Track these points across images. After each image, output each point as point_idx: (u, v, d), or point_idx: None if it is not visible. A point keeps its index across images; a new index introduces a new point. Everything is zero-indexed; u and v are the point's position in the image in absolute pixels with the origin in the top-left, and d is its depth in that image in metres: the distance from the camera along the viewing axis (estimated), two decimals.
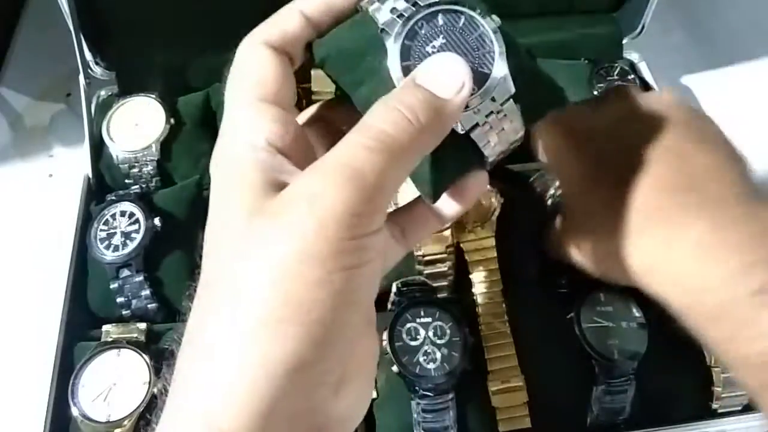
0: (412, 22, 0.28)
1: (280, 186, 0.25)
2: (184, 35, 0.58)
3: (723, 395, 0.45)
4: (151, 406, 0.43)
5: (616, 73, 0.60)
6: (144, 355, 0.44)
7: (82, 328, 0.48)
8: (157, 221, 0.49)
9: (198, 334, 0.25)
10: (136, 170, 0.54)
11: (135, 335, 0.46)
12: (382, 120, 0.25)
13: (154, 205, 0.51)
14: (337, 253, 0.23)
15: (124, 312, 0.48)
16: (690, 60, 0.72)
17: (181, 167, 0.56)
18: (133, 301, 0.48)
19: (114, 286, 0.48)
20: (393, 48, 0.28)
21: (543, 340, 0.46)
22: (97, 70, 0.59)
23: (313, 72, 0.61)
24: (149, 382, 0.43)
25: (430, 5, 0.28)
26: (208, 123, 0.58)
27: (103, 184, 0.55)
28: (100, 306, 0.49)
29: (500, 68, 0.28)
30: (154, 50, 0.59)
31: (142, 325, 0.47)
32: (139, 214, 0.50)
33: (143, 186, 0.54)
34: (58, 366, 0.45)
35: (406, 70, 0.27)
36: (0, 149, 0.65)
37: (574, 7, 0.63)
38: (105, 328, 0.46)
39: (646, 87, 0.61)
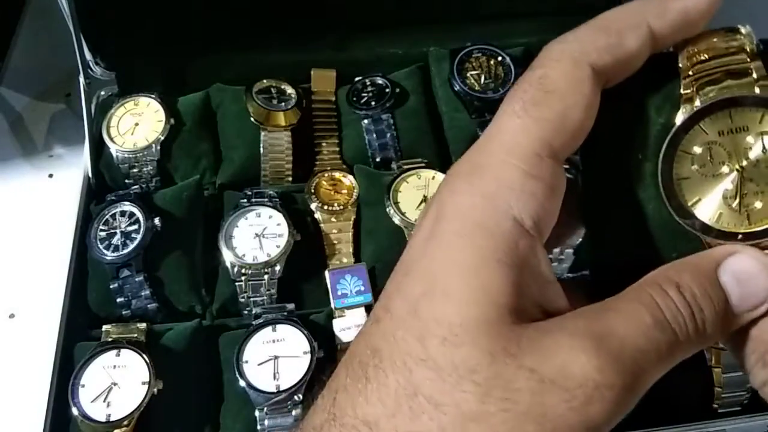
0: None
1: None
2: (184, 35, 0.58)
3: (723, 395, 0.45)
4: (151, 406, 0.43)
5: None
6: (144, 355, 0.44)
7: (82, 328, 0.48)
8: (157, 221, 0.49)
9: None
10: (136, 170, 0.54)
11: (135, 335, 0.46)
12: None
13: (154, 205, 0.51)
14: None
15: (124, 312, 0.48)
16: None
17: (181, 167, 0.56)
18: (133, 301, 0.48)
19: (114, 286, 0.48)
20: None
21: None
22: (97, 70, 0.59)
23: (313, 72, 0.61)
24: (149, 382, 0.43)
25: None
26: (208, 123, 0.58)
27: (103, 184, 0.55)
28: (100, 306, 0.49)
29: None
30: (154, 50, 0.59)
31: (142, 325, 0.47)
32: (139, 214, 0.50)
33: (143, 186, 0.54)
34: (58, 366, 0.45)
35: None
36: (0, 149, 0.65)
37: (574, 7, 0.63)
38: (105, 328, 0.46)
39: None
